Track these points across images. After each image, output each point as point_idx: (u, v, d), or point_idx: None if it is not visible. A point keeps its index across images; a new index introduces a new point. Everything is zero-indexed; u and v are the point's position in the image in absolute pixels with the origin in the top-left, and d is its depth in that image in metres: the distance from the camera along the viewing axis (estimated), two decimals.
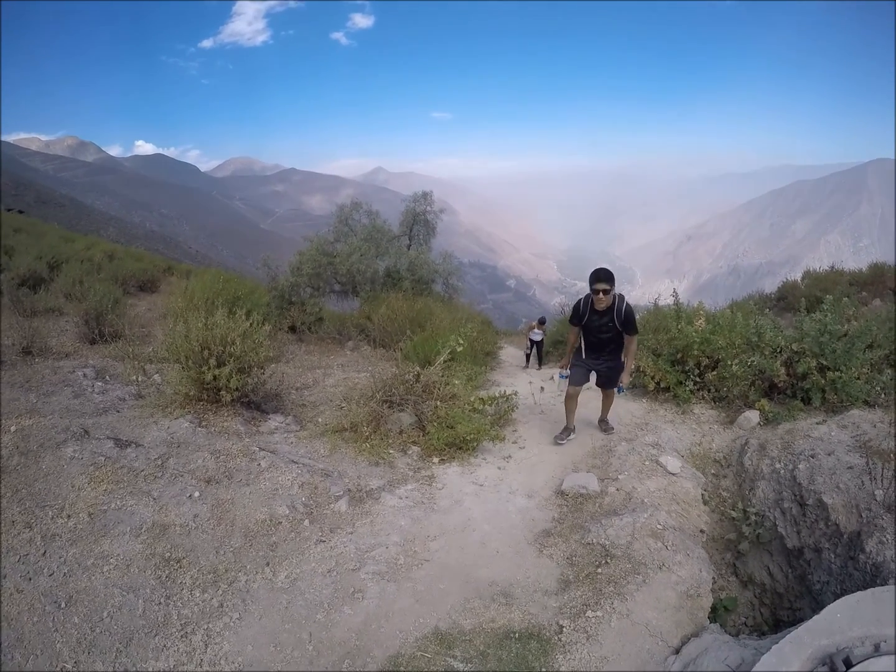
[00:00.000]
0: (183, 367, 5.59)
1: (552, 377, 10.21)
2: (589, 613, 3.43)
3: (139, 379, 6.46)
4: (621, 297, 5.48)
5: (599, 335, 5.63)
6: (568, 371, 6.02)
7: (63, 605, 3.18)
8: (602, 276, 5.32)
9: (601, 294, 5.30)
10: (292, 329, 11.54)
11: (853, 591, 2.63)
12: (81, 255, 13.87)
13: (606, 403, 6.35)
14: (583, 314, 5.61)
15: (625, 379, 5.68)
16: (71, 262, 12.57)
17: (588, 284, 5.43)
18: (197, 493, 4.29)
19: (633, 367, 6.03)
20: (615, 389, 5.90)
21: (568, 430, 6.17)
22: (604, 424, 6.40)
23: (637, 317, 5.75)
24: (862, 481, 4.15)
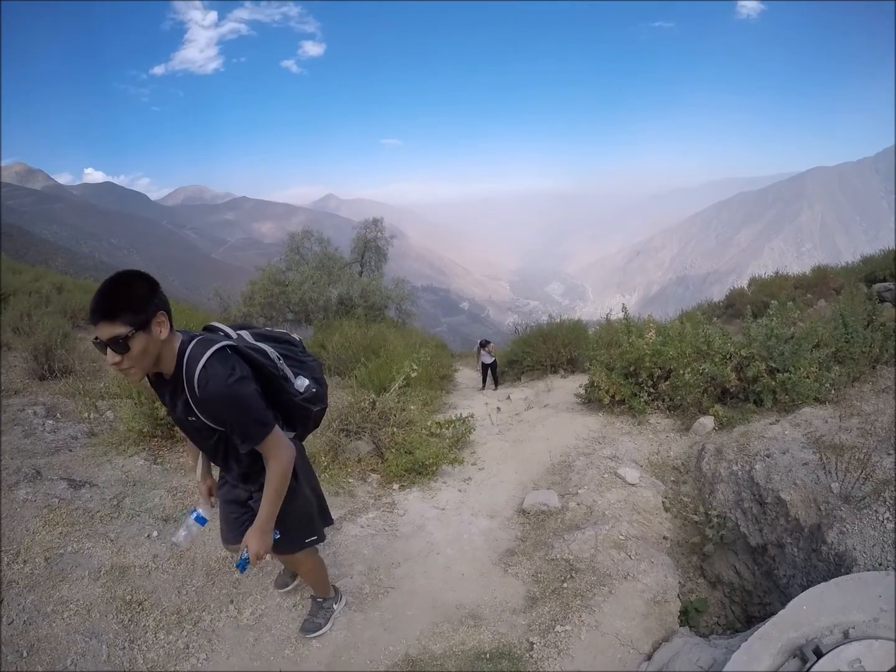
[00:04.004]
0: (135, 403, 5.46)
1: (508, 396, 10.25)
2: (558, 628, 3.42)
3: (91, 416, 6.27)
4: (202, 346, 2.27)
5: (192, 438, 2.66)
6: (199, 511, 2.80)
7: (25, 653, 3.05)
8: (97, 307, 2.03)
9: (107, 351, 2.08)
10: None
11: (818, 583, 2.68)
12: (29, 286, 13.48)
13: (297, 571, 3.58)
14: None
15: (251, 542, 2.51)
16: (18, 295, 12.20)
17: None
18: (155, 533, 4.17)
19: (269, 516, 2.53)
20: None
21: None
22: (308, 612, 3.54)
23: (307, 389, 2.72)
24: (818, 476, 4.24)
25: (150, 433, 5.53)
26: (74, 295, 13.59)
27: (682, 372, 6.46)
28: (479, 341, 13.95)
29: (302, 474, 2.83)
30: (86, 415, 6.25)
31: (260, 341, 2.61)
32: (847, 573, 3.19)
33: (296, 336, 2.93)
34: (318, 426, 3.08)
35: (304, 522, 2.91)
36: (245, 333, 2.63)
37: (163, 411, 5.25)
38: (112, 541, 4.03)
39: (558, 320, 13.84)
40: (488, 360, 13.28)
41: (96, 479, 4.87)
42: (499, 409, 8.99)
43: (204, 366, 2.21)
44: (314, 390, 2.74)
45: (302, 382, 2.70)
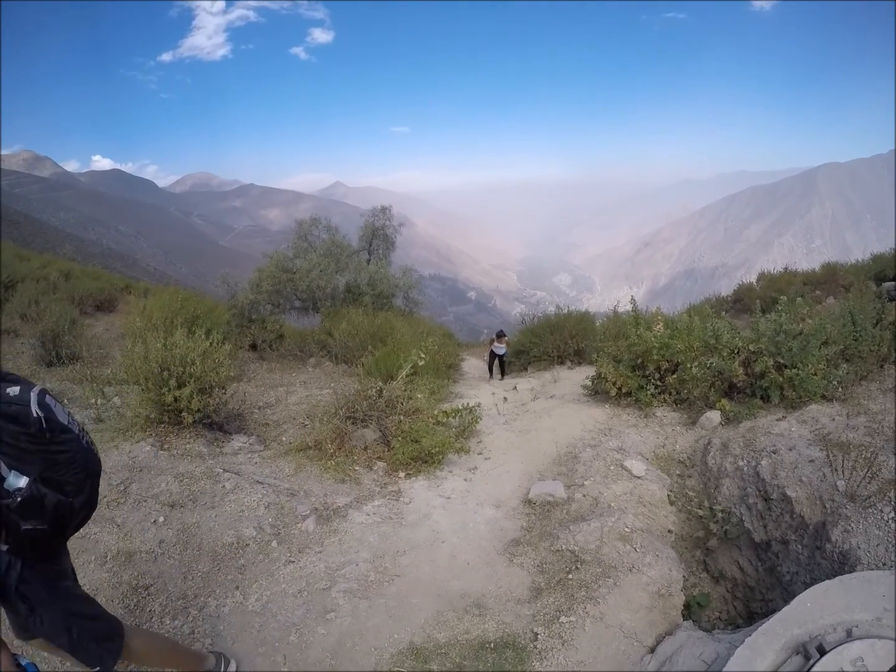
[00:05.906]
0: (143, 389, 5.47)
1: (514, 387, 10.28)
2: (563, 619, 3.43)
3: (98, 402, 6.30)
4: None
5: None
6: None
7: None
8: None
9: None
10: (253, 347, 11.43)
11: (822, 580, 2.67)
12: (37, 273, 13.54)
13: None
14: None
15: None
16: (26, 282, 12.25)
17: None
18: (162, 518, 4.20)
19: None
20: None
21: None
22: None
23: None
24: (823, 473, 4.24)
25: (156, 419, 5.55)
26: (82, 282, 13.65)
27: (689, 365, 6.45)
28: (496, 332, 13.87)
29: (36, 601, 2.03)
30: (93, 401, 6.28)
31: None
32: (850, 572, 3.18)
33: (36, 412, 1.86)
34: (46, 546, 2.06)
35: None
36: None
37: (170, 397, 5.26)
38: (119, 526, 4.06)
39: (566, 311, 13.79)
40: (501, 350, 13.22)
41: (103, 464, 4.87)
42: (505, 399, 8.99)
43: None
44: (27, 496, 1.81)
45: (15, 481, 1.80)
